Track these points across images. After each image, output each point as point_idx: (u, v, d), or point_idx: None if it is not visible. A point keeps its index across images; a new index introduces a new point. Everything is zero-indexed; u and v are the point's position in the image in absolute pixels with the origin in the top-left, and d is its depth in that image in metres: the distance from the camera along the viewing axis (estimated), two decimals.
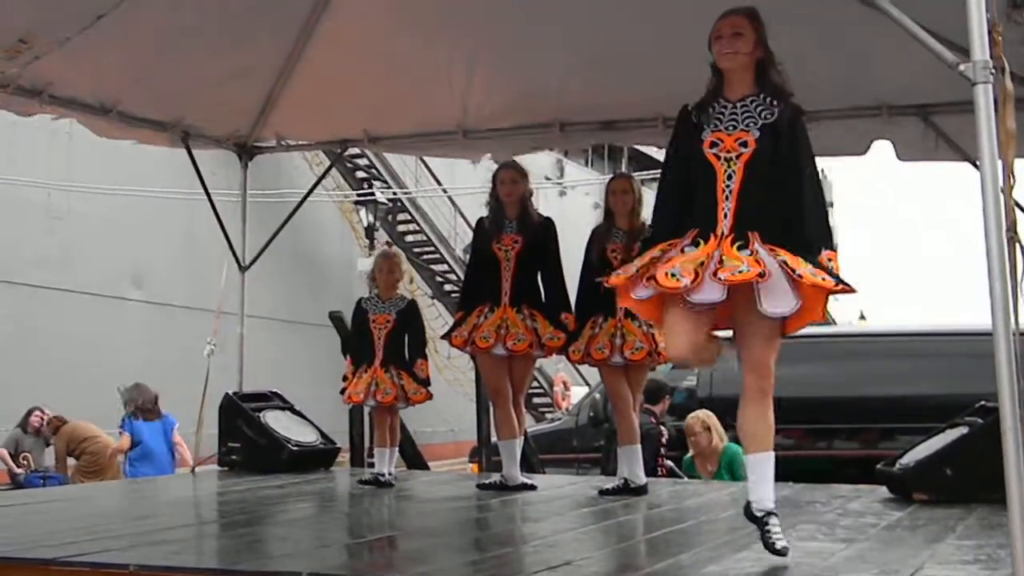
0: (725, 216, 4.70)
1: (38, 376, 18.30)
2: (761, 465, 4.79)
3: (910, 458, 6.90)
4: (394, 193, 26.13)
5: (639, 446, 7.34)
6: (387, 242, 23.26)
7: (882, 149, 8.06)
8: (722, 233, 4.66)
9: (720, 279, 4.48)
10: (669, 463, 9.88)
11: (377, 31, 8.20)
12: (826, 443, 10.77)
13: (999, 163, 4.15)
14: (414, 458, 10.80)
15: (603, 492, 7.21)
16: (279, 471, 8.50)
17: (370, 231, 24.51)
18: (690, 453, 9.68)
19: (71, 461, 14.00)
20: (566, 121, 8.76)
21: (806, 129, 4.90)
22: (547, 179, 29.68)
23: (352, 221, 25.93)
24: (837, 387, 10.79)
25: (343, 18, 8.10)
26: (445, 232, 27.77)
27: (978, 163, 4.17)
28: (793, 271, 4.50)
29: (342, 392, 8.02)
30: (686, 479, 9.02)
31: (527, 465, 8.55)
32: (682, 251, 4.70)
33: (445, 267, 27.27)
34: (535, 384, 24.81)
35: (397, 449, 8.25)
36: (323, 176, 11.02)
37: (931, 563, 4.64)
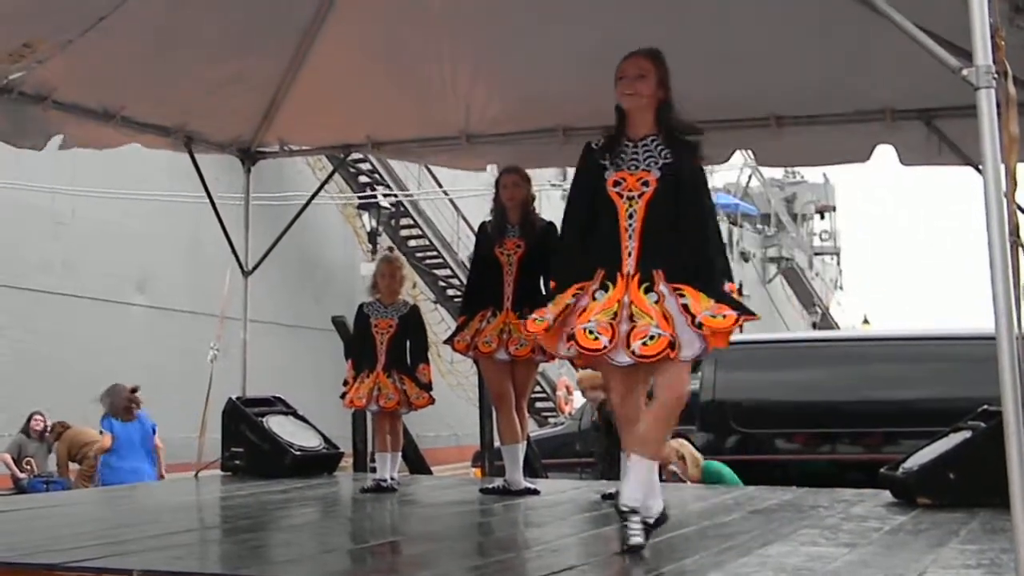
0: (629, 255, 4.96)
1: (42, 381, 18.34)
2: (640, 468, 5.01)
3: (913, 462, 6.90)
4: (397, 197, 26.14)
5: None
6: (389, 247, 23.26)
7: (885, 154, 8.06)
8: (628, 273, 4.93)
9: (633, 352, 4.78)
10: (672, 467, 9.86)
11: (380, 36, 8.22)
12: (829, 447, 10.76)
13: (1002, 168, 4.15)
14: (417, 462, 10.79)
15: (606, 496, 7.20)
16: (282, 476, 8.50)
17: (373, 235, 24.53)
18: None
19: (73, 466, 14.04)
20: (569, 126, 8.75)
21: (703, 168, 5.21)
22: (550, 183, 29.69)
23: (355, 225, 25.93)
24: (840, 391, 10.77)
25: (346, 23, 8.11)
26: (448, 236, 27.77)
27: (981, 168, 4.17)
28: (694, 318, 4.79)
29: (342, 396, 8.01)
30: (688, 483, 9.01)
31: (530, 470, 8.55)
32: (593, 296, 4.97)
33: (448, 271, 27.27)
34: (538, 388, 24.81)
35: (400, 454, 8.25)
36: (326, 181, 11.05)
37: (934, 568, 4.63)
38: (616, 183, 5.08)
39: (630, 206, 5.01)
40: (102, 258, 20.75)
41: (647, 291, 4.89)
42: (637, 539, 4.89)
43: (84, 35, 7.11)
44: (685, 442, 9.33)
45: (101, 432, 12.44)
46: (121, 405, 12.18)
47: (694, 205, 5.04)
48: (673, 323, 4.82)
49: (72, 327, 20.19)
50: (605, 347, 4.83)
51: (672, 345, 4.78)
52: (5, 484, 15.42)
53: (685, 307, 4.82)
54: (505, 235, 7.49)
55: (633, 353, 4.80)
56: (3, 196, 18.90)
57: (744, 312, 4.85)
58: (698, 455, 9.25)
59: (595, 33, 7.70)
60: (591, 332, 4.86)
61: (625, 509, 4.94)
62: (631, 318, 4.85)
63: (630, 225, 5.00)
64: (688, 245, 4.97)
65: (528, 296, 7.37)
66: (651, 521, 5.08)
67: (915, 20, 4.58)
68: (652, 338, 4.78)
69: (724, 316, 4.81)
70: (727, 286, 4.97)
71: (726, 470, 9.21)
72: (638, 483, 4.98)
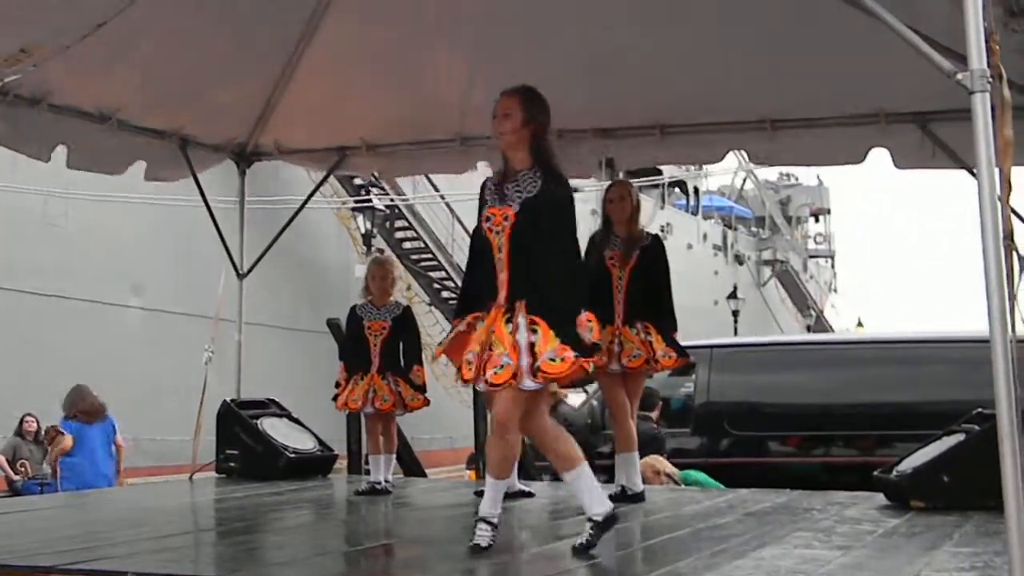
0: (500, 286, 5.25)
1: (36, 383, 18.30)
2: (494, 487, 5.37)
3: (907, 465, 6.90)
4: (391, 200, 26.14)
5: (637, 453, 7.35)
6: (379, 248, 23.26)
7: (879, 156, 8.07)
8: (501, 303, 5.21)
9: (485, 380, 5.10)
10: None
11: (375, 38, 8.22)
12: (823, 450, 10.77)
13: (996, 171, 4.16)
14: (411, 465, 10.79)
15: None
16: (276, 478, 8.49)
17: (367, 238, 24.52)
18: None
19: None
20: (564, 128, 8.75)
21: (567, 199, 5.33)
22: None
23: (350, 228, 25.93)
24: (834, 394, 10.79)
25: (341, 25, 8.11)
26: (443, 239, 27.78)
27: (975, 171, 4.18)
28: (534, 361, 5.01)
29: (334, 399, 8.00)
30: (684, 486, 9.01)
31: (524, 472, 8.54)
32: (475, 327, 5.34)
33: (442, 273, 27.28)
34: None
35: (394, 456, 8.24)
36: (321, 183, 10.99)
37: (928, 571, 4.64)
38: (487, 219, 5.36)
39: (498, 240, 5.26)
40: (96, 260, 20.73)
41: (507, 321, 5.14)
42: (482, 541, 5.25)
43: (81, 41, 7.10)
44: (659, 458, 9.22)
45: (62, 435, 12.50)
46: (83, 408, 12.22)
47: (550, 237, 5.19)
48: (519, 355, 5.06)
49: (66, 330, 20.17)
50: (475, 377, 5.18)
51: (515, 375, 5.03)
52: (0, 486, 15.43)
53: (532, 345, 5.05)
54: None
55: (486, 382, 5.12)
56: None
57: (584, 355, 5.05)
58: (673, 469, 9.17)
59: (591, 36, 7.73)
60: (468, 362, 5.22)
61: (476, 518, 5.36)
62: (491, 347, 5.14)
63: (499, 258, 5.27)
64: (547, 277, 5.17)
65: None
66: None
67: (909, 24, 4.58)
68: (501, 367, 5.05)
69: (562, 359, 5.01)
70: (583, 315, 5.13)
71: (703, 476, 9.20)
72: (491, 501, 5.34)
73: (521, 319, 5.10)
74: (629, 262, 7.28)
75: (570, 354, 5.02)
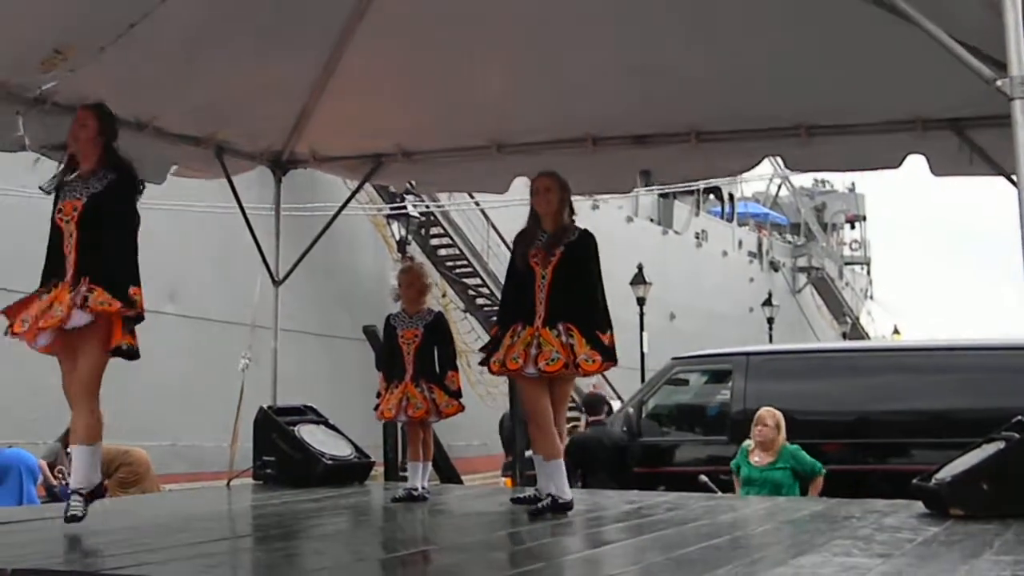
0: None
1: None
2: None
3: (946, 473, 6.85)
4: (427, 207, 26.16)
5: (562, 460, 6.97)
6: (410, 256, 23.26)
7: (916, 162, 8.04)
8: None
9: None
10: (703, 478, 9.83)
11: (411, 45, 8.24)
12: (860, 457, 10.70)
13: None
14: (448, 472, 10.81)
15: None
16: (313, 485, 8.51)
17: (402, 244, 24.54)
18: (747, 442, 9.54)
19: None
20: (598, 136, 8.77)
21: (128, 190, 6.33)
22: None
23: (385, 235, 25.96)
24: (871, 401, 10.74)
25: (377, 32, 8.14)
26: (478, 245, 27.78)
27: (1015, 178, 4.16)
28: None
29: (375, 408, 8.00)
30: (720, 494, 8.99)
31: None
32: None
33: (478, 280, 27.28)
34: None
35: (431, 463, 8.25)
36: (357, 190, 11.01)
37: None
38: (60, 210, 6.30)
39: (68, 227, 6.21)
40: None
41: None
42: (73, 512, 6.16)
43: (116, 44, 7.14)
44: (779, 413, 9.44)
45: None
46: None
47: (115, 218, 6.24)
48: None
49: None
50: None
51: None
52: (41, 492, 15.52)
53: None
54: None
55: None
56: (31, 205, 19.00)
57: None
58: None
59: (626, 44, 7.73)
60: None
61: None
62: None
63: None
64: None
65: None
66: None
67: (947, 30, 4.57)
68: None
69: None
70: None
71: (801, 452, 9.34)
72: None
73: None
74: (552, 259, 6.88)
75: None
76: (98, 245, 6.17)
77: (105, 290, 6.06)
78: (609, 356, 6.84)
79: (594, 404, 12.07)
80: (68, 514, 6.15)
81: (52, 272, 6.27)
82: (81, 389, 6.45)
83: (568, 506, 6.85)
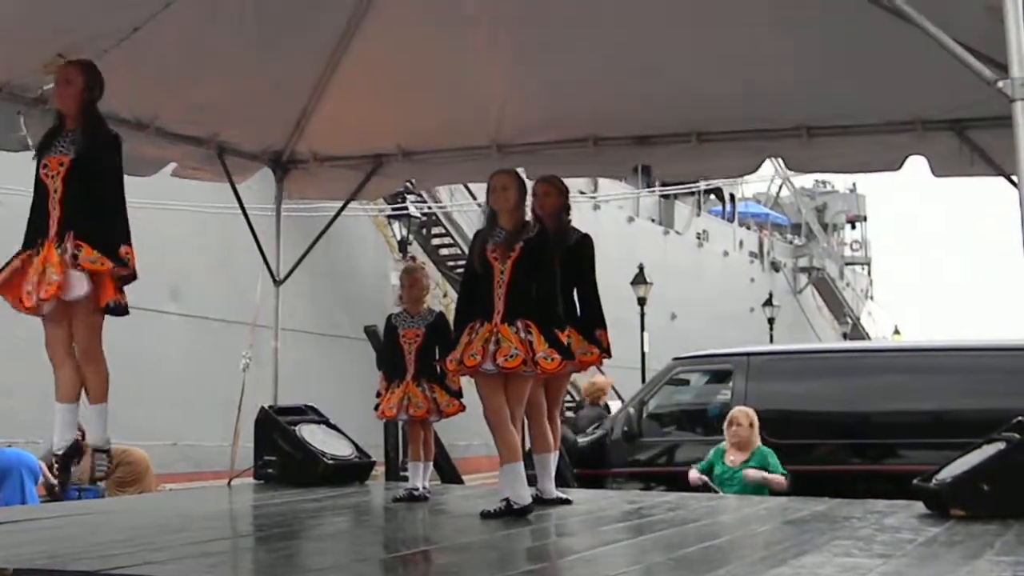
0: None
1: None
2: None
3: (947, 473, 6.85)
4: (428, 206, 26.16)
5: (522, 464, 6.94)
6: (411, 256, 23.26)
7: (916, 162, 8.05)
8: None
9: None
10: (704, 478, 9.84)
11: (412, 45, 8.24)
12: (860, 458, 10.71)
13: None
14: (449, 472, 10.80)
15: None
16: (314, 485, 8.51)
17: (403, 244, 24.55)
18: (722, 443, 9.55)
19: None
20: (600, 136, 8.77)
21: (115, 147, 6.35)
22: (580, 192, 29.70)
23: (386, 234, 25.97)
24: (872, 402, 10.74)
25: (378, 32, 8.15)
26: None
27: (1015, 178, 4.16)
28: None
29: (376, 408, 8.01)
30: (721, 493, 8.99)
31: (561, 479, 8.54)
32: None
33: None
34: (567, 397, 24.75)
35: (431, 463, 8.25)
36: (357, 190, 11.01)
37: None
38: (45, 165, 6.25)
39: (54, 184, 6.19)
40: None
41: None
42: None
43: (118, 45, 7.16)
44: (753, 412, 9.35)
45: None
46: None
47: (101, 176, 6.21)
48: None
49: (104, 334, 20.25)
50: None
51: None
52: (42, 491, 15.51)
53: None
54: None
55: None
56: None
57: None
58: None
59: (627, 43, 7.73)
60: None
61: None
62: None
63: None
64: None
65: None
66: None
67: (948, 32, 4.58)
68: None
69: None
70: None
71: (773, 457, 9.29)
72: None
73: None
74: (511, 255, 6.82)
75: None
76: (84, 200, 6.14)
77: (93, 248, 6.06)
78: (567, 354, 6.81)
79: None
80: (95, 475, 6.55)
81: (37, 230, 6.21)
82: (84, 355, 6.59)
83: (524, 511, 6.75)
